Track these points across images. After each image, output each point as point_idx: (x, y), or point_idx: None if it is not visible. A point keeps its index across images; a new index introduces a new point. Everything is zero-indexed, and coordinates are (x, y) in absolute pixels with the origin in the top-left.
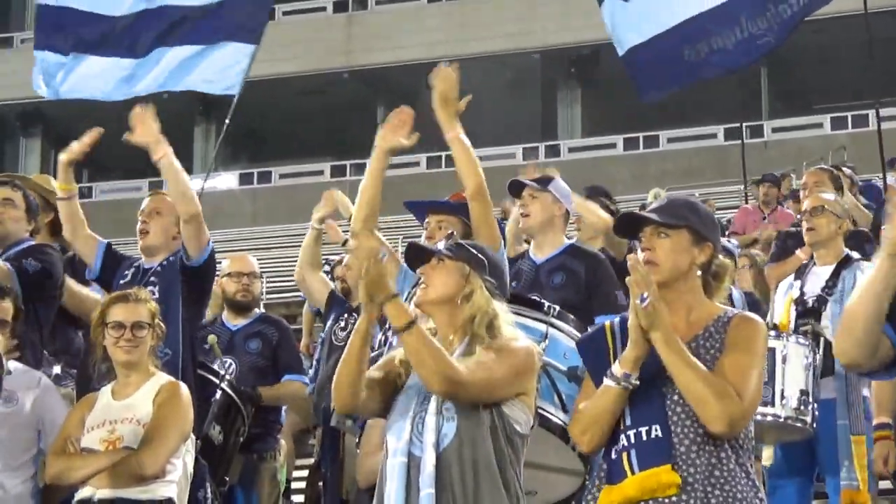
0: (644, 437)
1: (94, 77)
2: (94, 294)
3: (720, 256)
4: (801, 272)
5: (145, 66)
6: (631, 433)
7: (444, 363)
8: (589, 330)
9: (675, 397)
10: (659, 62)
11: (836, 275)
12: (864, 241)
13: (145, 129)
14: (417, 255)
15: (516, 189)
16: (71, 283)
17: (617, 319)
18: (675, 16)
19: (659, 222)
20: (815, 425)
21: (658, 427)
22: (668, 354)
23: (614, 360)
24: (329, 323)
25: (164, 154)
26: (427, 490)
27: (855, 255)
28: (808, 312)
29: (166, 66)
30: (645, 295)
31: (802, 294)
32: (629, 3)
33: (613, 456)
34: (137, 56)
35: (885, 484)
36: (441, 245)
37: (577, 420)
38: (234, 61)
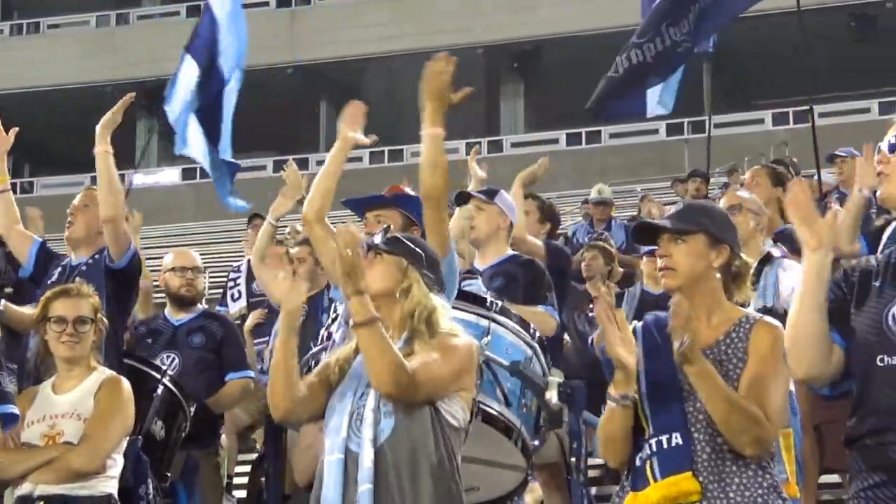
0: (665, 445)
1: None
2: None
3: (742, 257)
4: None
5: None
6: (653, 441)
7: (398, 365)
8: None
9: (698, 405)
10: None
11: (757, 272)
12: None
13: (112, 117)
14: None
15: (463, 199)
16: (8, 305)
17: (640, 324)
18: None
19: (672, 229)
20: None
21: (678, 435)
22: (702, 388)
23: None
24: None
25: (106, 150)
26: (365, 486)
27: (777, 251)
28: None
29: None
30: (686, 338)
31: None
32: None
33: (638, 463)
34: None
35: (829, 478)
36: (377, 239)
37: (600, 439)
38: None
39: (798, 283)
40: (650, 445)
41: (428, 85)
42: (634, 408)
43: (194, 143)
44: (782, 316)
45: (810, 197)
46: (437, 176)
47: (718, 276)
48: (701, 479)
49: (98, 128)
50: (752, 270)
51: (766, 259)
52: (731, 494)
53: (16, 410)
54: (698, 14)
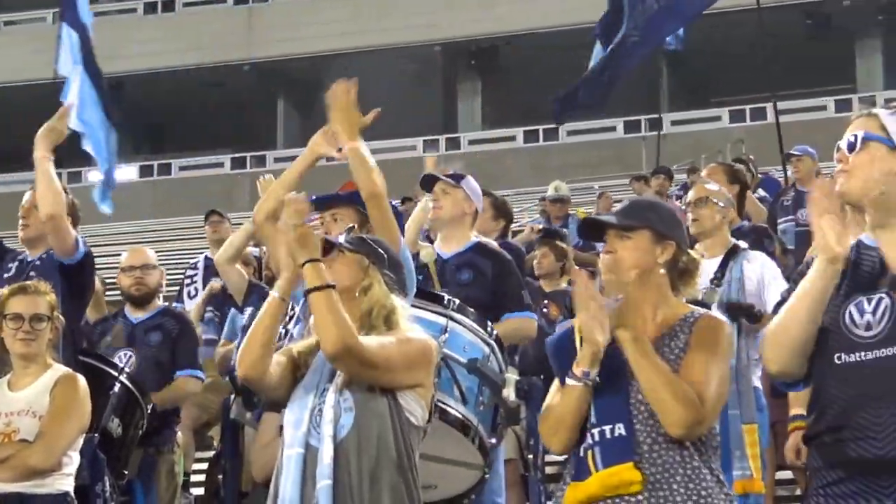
0: (608, 435)
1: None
2: None
3: (689, 253)
4: None
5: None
6: (596, 431)
7: (346, 328)
8: (557, 331)
9: (640, 396)
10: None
11: (723, 265)
12: (762, 237)
13: (59, 123)
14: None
15: (429, 183)
16: None
17: None
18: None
19: (617, 225)
20: None
21: (621, 425)
22: (633, 354)
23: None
24: (249, 311)
25: (44, 156)
26: (324, 482)
27: (742, 244)
28: (698, 305)
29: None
30: (619, 296)
31: None
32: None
33: (581, 454)
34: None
35: (784, 474)
36: (341, 238)
37: (544, 420)
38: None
39: (800, 286)
40: (593, 435)
41: (335, 111)
42: None
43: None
44: (746, 308)
45: (836, 201)
46: (372, 177)
47: (663, 271)
48: (643, 469)
49: (38, 135)
50: (700, 266)
51: (733, 251)
52: (675, 486)
53: None
54: (657, 11)
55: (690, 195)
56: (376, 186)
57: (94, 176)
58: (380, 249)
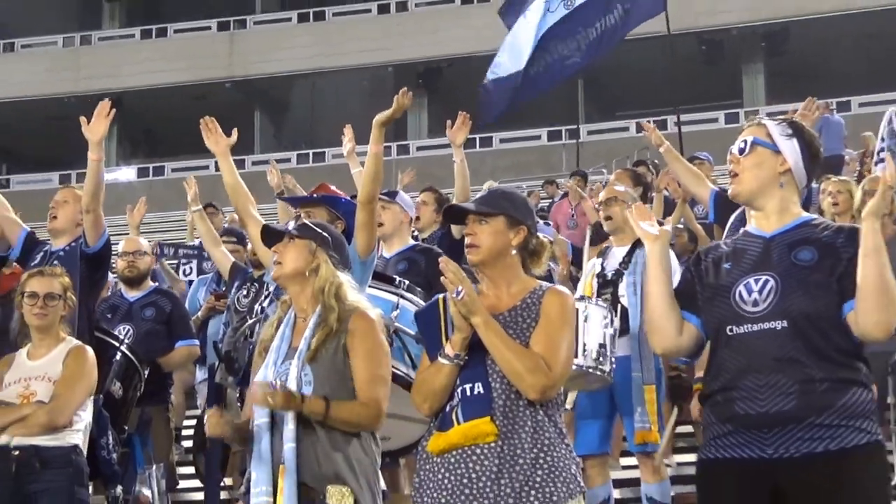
0: (468, 394)
1: None
2: None
3: (538, 236)
4: (604, 253)
5: None
6: (458, 390)
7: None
8: (424, 304)
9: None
10: (497, 91)
11: (630, 252)
12: None
13: (98, 125)
14: (272, 236)
15: None
16: None
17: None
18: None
19: (476, 211)
20: (612, 376)
21: (480, 385)
22: (486, 335)
23: (446, 329)
24: (233, 291)
25: (99, 158)
26: (289, 444)
27: None
28: (608, 284)
29: None
30: (459, 289)
31: (603, 269)
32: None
33: (447, 409)
34: None
35: (684, 429)
36: (290, 226)
37: (417, 390)
38: None
39: (647, 273)
40: (456, 394)
41: (388, 115)
42: None
43: None
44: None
45: (648, 210)
46: (376, 186)
47: (515, 252)
48: (497, 422)
49: (94, 142)
50: (546, 248)
51: (639, 241)
52: (524, 436)
53: None
54: (595, 38)
55: (602, 196)
56: (375, 194)
57: None
58: (324, 233)
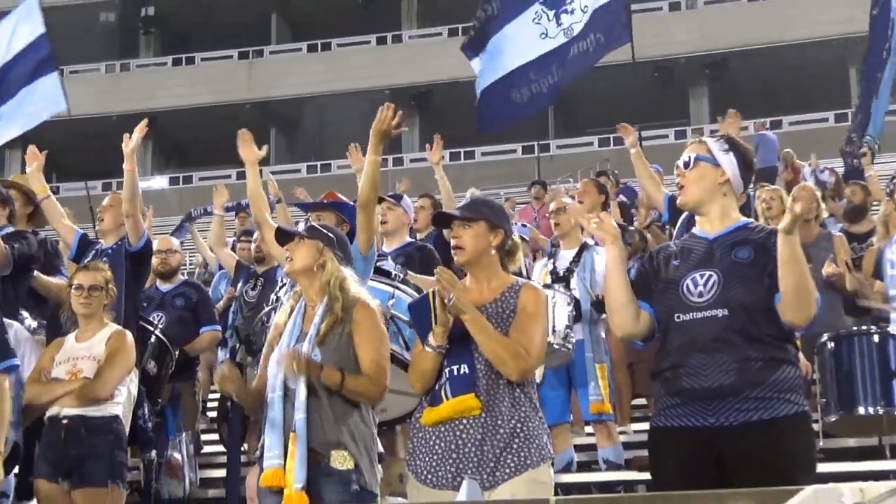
0: (456, 373)
1: None
2: (57, 280)
3: (514, 238)
4: (552, 254)
5: None
6: (447, 371)
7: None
8: (418, 296)
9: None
10: (493, 104)
11: (578, 255)
12: (622, 232)
13: (133, 141)
14: (284, 237)
15: (379, 200)
16: (39, 275)
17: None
18: (509, 65)
19: (461, 217)
20: (574, 352)
21: (466, 366)
22: (474, 330)
23: (436, 321)
24: (240, 285)
25: (132, 169)
26: (300, 415)
27: (591, 240)
28: (559, 279)
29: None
30: (451, 295)
31: (555, 268)
32: (482, 55)
33: (436, 388)
34: None
35: (639, 402)
36: (300, 228)
37: (412, 372)
38: (50, 89)
39: (605, 268)
40: (445, 374)
41: (378, 126)
42: None
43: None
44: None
45: (610, 218)
46: (374, 191)
47: (494, 252)
48: (481, 398)
49: (127, 154)
50: (520, 248)
51: (584, 246)
52: (503, 409)
53: (17, 362)
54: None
55: (552, 206)
56: (374, 198)
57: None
58: (330, 234)
